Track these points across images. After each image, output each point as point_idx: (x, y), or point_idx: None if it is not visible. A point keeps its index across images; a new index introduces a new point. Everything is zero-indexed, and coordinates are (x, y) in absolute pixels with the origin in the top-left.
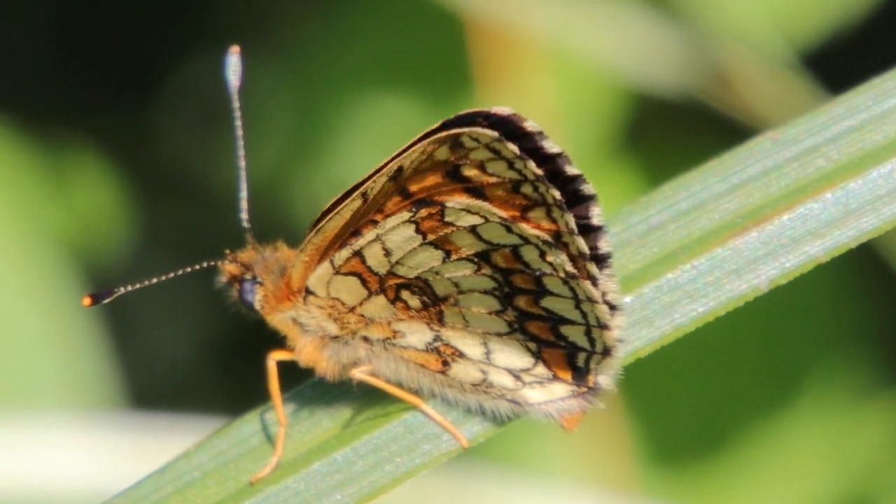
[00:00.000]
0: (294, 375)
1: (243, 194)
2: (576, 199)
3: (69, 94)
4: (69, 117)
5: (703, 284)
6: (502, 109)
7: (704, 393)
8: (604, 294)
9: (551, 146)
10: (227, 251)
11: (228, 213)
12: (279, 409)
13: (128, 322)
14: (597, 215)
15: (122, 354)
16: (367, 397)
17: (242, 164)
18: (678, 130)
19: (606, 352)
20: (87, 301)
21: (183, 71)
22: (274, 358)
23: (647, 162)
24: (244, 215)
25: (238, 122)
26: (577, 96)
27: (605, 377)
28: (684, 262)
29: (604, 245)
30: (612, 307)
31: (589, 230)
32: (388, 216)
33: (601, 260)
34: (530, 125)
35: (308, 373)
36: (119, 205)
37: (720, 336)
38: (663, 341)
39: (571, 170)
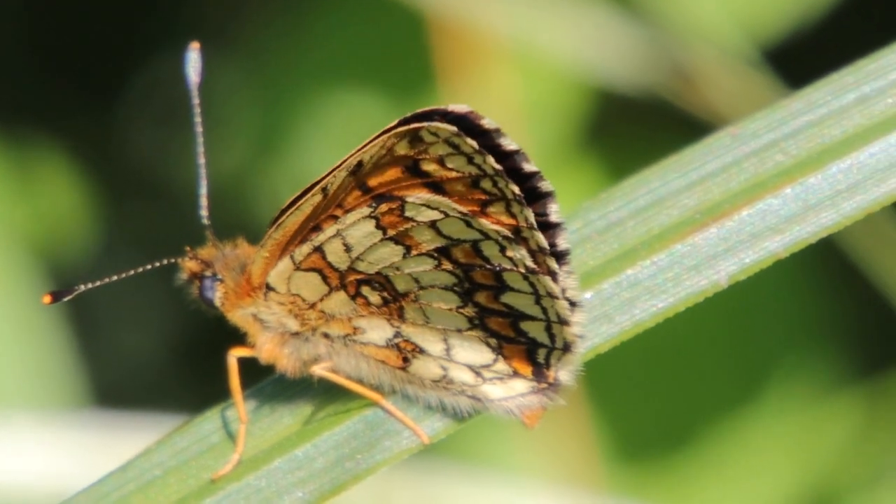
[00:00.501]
0: (255, 372)
1: (203, 191)
2: (533, 196)
3: (34, 92)
4: (33, 115)
5: (663, 280)
6: (459, 107)
7: (668, 389)
8: (563, 290)
9: (508, 143)
10: (188, 248)
11: (193, 212)
12: (240, 406)
13: (91, 320)
14: (554, 212)
15: (85, 353)
16: (327, 394)
17: (202, 161)
18: (640, 128)
19: (566, 347)
20: (47, 299)
21: (149, 70)
22: (234, 355)
23: (609, 159)
24: (204, 212)
25: (198, 119)
26: (539, 93)
27: (566, 373)
28: (644, 257)
29: (562, 242)
30: (572, 304)
31: (547, 227)
32: (348, 211)
33: (559, 257)
34: (487, 122)
35: (268, 370)
36: (84, 203)
37: (683, 332)
38: (623, 337)
39: (529, 167)
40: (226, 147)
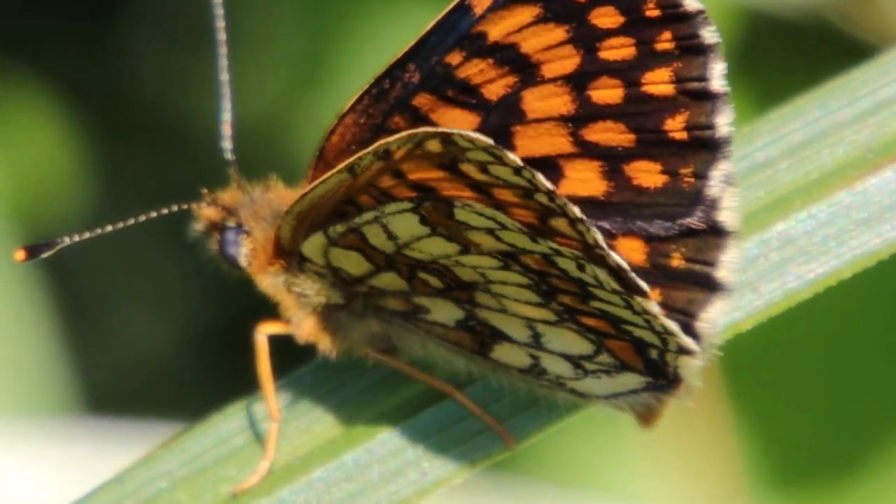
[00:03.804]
0: (291, 356)
1: (226, 116)
2: (687, 49)
3: (9, 13)
4: (9, 41)
5: (824, 238)
6: None
7: (837, 387)
8: (714, 203)
9: None
10: (205, 191)
11: (214, 158)
12: (271, 400)
13: (85, 306)
14: (717, 77)
15: (79, 346)
16: (384, 384)
17: (226, 77)
18: (800, 58)
19: (682, 351)
20: (20, 255)
21: None
22: (264, 332)
23: (760, 95)
24: (227, 144)
25: (220, 24)
26: None
27: (688, 368)
28: (799, 209)
29: (723, 123)
30: (722, 232)
31: (705, 97)
32: (385, 193)
33: (719, 146)
34: None
35: (308, 352)
36: (74, 150)
37: (852, 308)
38: (770, 312)
39: (691, 3)
40: (261, 77)
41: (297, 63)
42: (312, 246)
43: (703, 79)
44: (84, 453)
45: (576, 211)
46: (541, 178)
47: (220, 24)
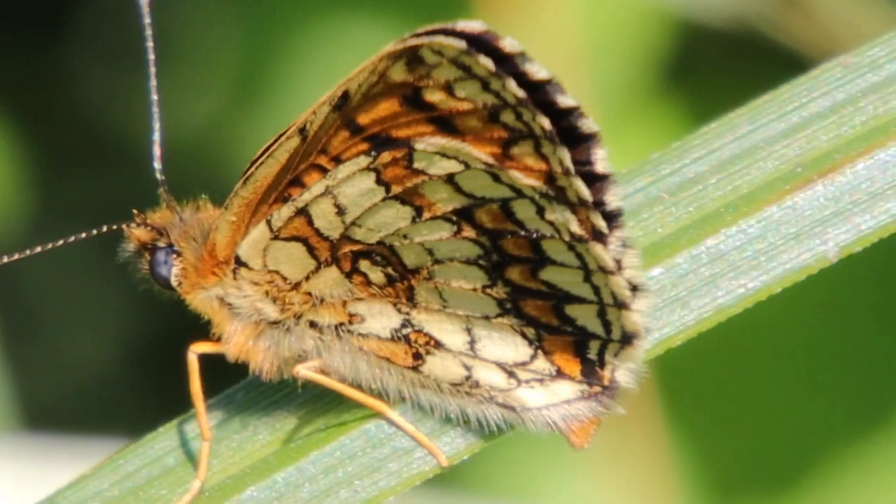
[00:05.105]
0: (222, 374)
1: (156, 136)
2: (573, 139)
3: None
4: None
5: (754, 253)
6: (471, 25)
7: (769, 401)
8: (618, 265)
9: (537, 70)
10: (136, 212)
11: (153, 177)
12: (202, 419)
13: (24, 323)
14: (601, 160)
15: (16, 363)
16: (315, 402)
17: (155, 97)
18: (733, 69)
19: (626, 339)
20: None
21: (95, 3)
22: (195, 351)
23: (694, 106)
24: (157, 164)
25: (149, 44)
26: (606, 27)
27: (625, 373)
28: (729, 224)
29: (612, 199)
30: (632, 287)
31: (591, 179)
32: (336, 160)
33: (609, 219)
34: (508, 44)
35: (239, 371)
36: (15, 169)
37: (782, 322)
38: (701, 326)
39: (565, 101)
40: (197, 96)
41: (233, 82)
42: (252, 243)
43: (588, 163)
44: (22, 469)
45: (545, 123)
46: (512, 84)
47: (150, 43)
